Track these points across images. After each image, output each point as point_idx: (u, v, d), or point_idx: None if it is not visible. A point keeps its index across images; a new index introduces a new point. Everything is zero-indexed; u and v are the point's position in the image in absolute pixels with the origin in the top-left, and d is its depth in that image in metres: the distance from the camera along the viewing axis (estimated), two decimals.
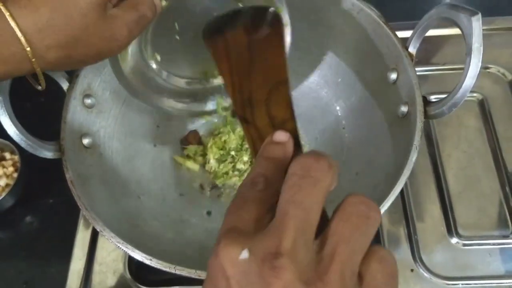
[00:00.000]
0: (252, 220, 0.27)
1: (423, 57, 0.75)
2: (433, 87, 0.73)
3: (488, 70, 0.75)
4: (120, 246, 0.46)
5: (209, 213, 0.65)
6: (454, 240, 0.62)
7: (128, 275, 0.62)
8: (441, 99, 0.52)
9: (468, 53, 0.48)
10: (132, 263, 0.62)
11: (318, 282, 0.23)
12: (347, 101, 0.65)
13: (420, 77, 0.55)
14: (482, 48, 0.47)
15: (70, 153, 0.53)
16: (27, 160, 0.68)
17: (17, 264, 0.66)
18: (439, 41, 0.78)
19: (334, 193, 0.61)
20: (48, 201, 0.70)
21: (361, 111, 0.63)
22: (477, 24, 0.47)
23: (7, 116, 0.50)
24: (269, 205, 0.28)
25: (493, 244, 0.62)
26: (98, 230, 0.47)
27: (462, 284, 0.59)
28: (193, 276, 0.45)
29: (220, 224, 0.28)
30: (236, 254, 0.24)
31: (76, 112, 0.57)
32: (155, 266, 0.45)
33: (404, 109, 0.55)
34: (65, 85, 0.58)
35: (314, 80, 0.70)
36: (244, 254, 0.24)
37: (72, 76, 0.57)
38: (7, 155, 0.70)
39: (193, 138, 0.70)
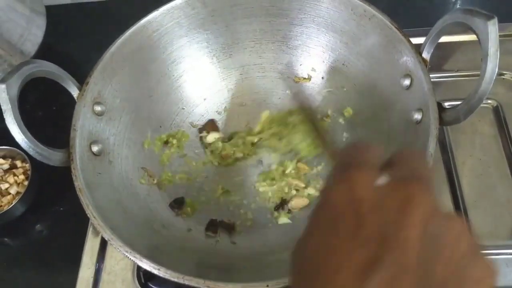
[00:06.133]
0: (375, 158, 0.27)
1: (436, 64, 0.74)
2: (446, 94, 0.71)
3: (502, 77, 0.74)
4: (128, 256, 0.46)
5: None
6: None
7: (137, 284, 0.61)
8: (457, 105, 0.51)
9: (484, 58, 0.47)
10: (140, 272, 0.62)
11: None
12: (359, 107, 0.64)
13: (433, 84, 0.54)
14: (498, 52, 0.46)
15: (79, 161, 0.53)
16: (38, 169, 0.68)
17: (27, 273, 0.65)
18: (451, 48, 0.77)
19: None
20: (59, 209, 0.70)
21: (374, 118, 0.62)
22: (493, 29, 0.46)
23: (16, 124, 0.50)
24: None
25: (510, 254, 0.60)
26: (106, 238, 0.47)
27: None
28: (201, 286, 0.44)
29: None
30: (372, 179, 0.24)
31: (86, 120, 0.56)
32: (163, 276, 0.44)
33: (418, 116, 0.54)
34: (75, 93, 0.58)
35: (325, 85, 0.69)
36: (383, 179, 0.24)
37: (82, 83, 0.57)
38: (18, 163, 0.70)
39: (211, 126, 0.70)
